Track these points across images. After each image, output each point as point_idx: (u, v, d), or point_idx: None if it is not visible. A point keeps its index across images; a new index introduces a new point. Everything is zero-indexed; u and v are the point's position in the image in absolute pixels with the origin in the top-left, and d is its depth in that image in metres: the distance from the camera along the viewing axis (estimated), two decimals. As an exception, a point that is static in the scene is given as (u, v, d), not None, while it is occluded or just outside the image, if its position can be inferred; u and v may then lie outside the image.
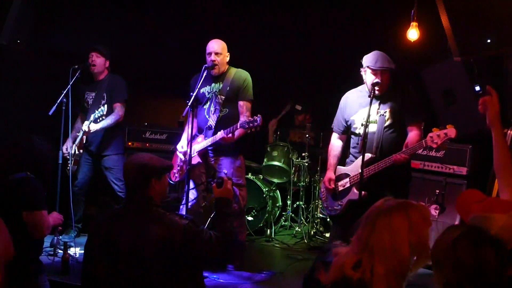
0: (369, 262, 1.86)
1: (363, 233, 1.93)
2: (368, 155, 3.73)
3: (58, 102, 4.61)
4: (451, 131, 3.45)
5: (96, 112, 4.68)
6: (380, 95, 3.83)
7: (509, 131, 4.25)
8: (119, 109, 5.00)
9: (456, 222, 4.65)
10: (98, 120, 4.72)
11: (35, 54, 5.45)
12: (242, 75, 4.39)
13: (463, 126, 4.68)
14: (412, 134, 3.77)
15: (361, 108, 3.91)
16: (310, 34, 6.43)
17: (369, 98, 3.72)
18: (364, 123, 3.79)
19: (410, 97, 3.86)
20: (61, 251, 4.19)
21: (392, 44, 4.98)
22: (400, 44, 4.64)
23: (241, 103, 4.34)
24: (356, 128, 3.94)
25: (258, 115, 3.96)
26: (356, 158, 3.91)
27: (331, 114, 4.24)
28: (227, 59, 4.41)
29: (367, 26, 5.90)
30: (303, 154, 5.79)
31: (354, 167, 3.88)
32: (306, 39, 6.47)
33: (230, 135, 4.08)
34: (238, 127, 4.00)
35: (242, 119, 4.19)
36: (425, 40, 4.50)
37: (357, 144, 3.94)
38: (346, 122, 4.03)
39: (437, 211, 4.72)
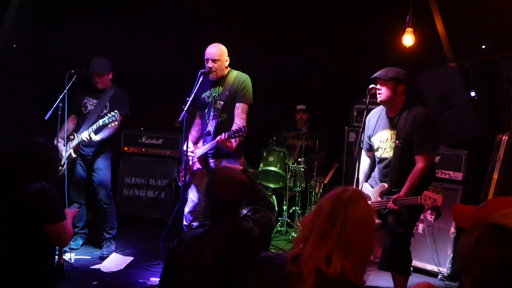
0: (342, 256, 1.76)
1: (328, 226, 1.80)
2: (384, 186, 3.83)
3: (54, 106, 4.58)
4: (439, 198, 3.57)
5: (106, 118, 4.66)
6: (392, 116, 3.87)
7: (503, 137, 4.27)
8: (118, 122, 4.90)
9: (452, 228, 4.67)
10: (109, 126, 4.72)
11: (31, 58, 5.45)
12: (241, 77, 4.29)
13: (458, 132, 4.70)
14: (415, 169, 3.71)
15: (379, 131, 3.95)
16: (308, 39, 6.45)
17: (387, 120, 3.83)
18: (381, 146, 3.89)
19: (420, 125, 3.73)
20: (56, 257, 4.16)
21: (388, 50, 5.00)
22: (396, 50, 4.66)
23: (237, 104, 4.24)
24: (375, 150, 3.97)
25: (244, 124, 3.99)
26: (380, 182, 3.92)
27: (328, 118, 4.21)
28: (227, 63, 4.31)
29: (363, 32, 5.92)
30: (299, 159, 5.78)
31: (373, 194, 3.89)
32: (304, 44, 6.50)
33: (224, 138, 4.00)
34: (226, 136, 3.93)
35: (236, 121, 4.18)
36: (420, 46, 4.52)
37: (379, 168, 3.96)
38: (369, 141, 4.06)
39: (433, 217, 4.71)
